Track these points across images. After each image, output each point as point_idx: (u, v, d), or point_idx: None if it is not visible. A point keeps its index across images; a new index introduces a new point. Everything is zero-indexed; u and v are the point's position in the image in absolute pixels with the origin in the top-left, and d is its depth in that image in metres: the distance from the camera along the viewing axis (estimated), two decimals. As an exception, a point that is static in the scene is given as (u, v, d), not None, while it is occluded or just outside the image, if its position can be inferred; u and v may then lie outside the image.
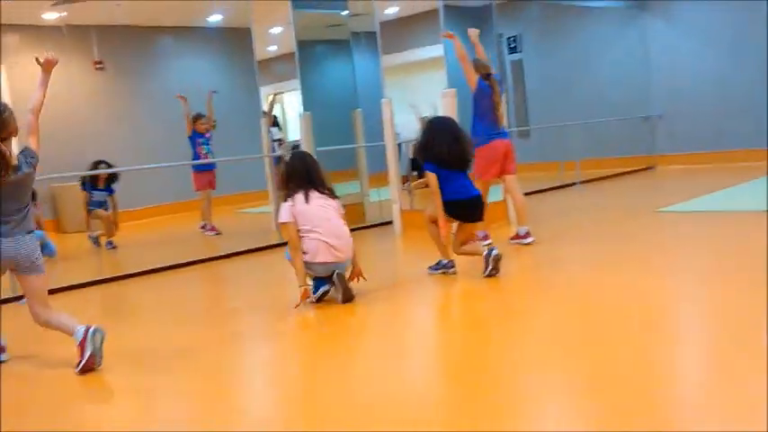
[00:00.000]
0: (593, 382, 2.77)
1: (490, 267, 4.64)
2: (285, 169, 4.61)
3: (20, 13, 8.90)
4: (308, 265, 4.41)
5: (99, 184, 7.66)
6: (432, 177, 4.77)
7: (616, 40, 11.04)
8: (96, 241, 7.76)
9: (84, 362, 3.44)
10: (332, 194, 4.54)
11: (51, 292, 5.58)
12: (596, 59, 11.09)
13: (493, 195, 6.02)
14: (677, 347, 3.18)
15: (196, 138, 8.09)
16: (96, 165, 7.65)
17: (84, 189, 7.70)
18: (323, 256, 4.39)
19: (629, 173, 10.41)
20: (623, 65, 10.86)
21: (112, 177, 7.73)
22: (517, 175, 5.91)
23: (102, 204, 7.70)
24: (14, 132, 3.66)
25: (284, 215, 4.43)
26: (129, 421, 2.92)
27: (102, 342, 3.49)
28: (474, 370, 3.12)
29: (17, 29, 9.49)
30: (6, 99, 9.57)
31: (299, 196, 4.42)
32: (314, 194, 4.44)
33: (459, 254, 4.91)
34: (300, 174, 4.49)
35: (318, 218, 4.41)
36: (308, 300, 4.41)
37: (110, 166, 7.72)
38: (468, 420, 2.54)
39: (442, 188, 4.76)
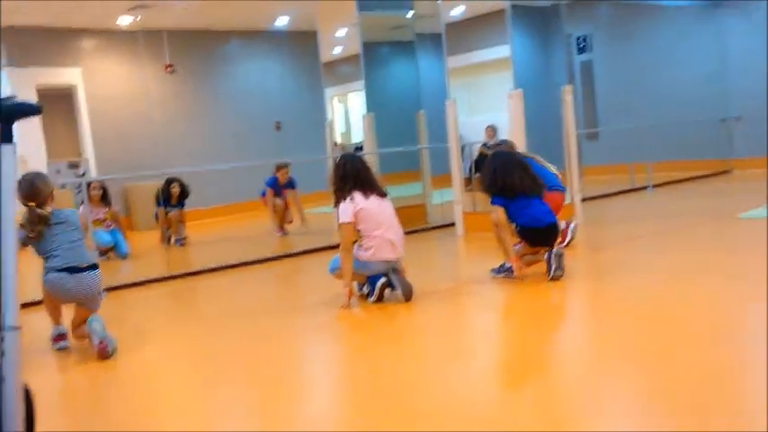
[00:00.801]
0: (658, 393, 2.67)
1: (554, 267, 4.56)
2: (335, 171, 4.58)
3: (95, 19, 9.20)
4: (366, 264, 4.42)
5: (172, 201, 8.04)
6: (500, 212, 4.73)
7: (691, 40, 10.71)
8: (168, 239, 8.04)
9: (96, 349, 3.66)
10: (383, 194, 4.54)
11: (124, 287, 5.77)
12: (670, 59, 10.77)
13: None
14: (750, 365, 3.03)
15: (274, 186, 8.12)
16: (169, 183, 7.94)
17: (159, 205, 7.98)
18: (386, 254, 4.42)
19: (703, 176, 10.07)
20: (698, 65, 10.52)
21: (184, 194, 8.01)
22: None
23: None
24: (49, 199, 3.87)
25: (345, 215, 4.40)
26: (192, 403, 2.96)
27: (103, 327, 3.70)
28: (534, 375, 3.05)
29: (92, 34, 9.83)
30: (82, 102, 9.89)
31: (358, 194, 4.42)
32: (369, 193, 4.46)
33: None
34: (351, 175, 4.47)
35: (382, 215, 4.45)
36: (368, 300, 4.45)
37: (182, 185, 7.99)
38: (530, 425, 2.48)
39: (520, 214, 4.72)
